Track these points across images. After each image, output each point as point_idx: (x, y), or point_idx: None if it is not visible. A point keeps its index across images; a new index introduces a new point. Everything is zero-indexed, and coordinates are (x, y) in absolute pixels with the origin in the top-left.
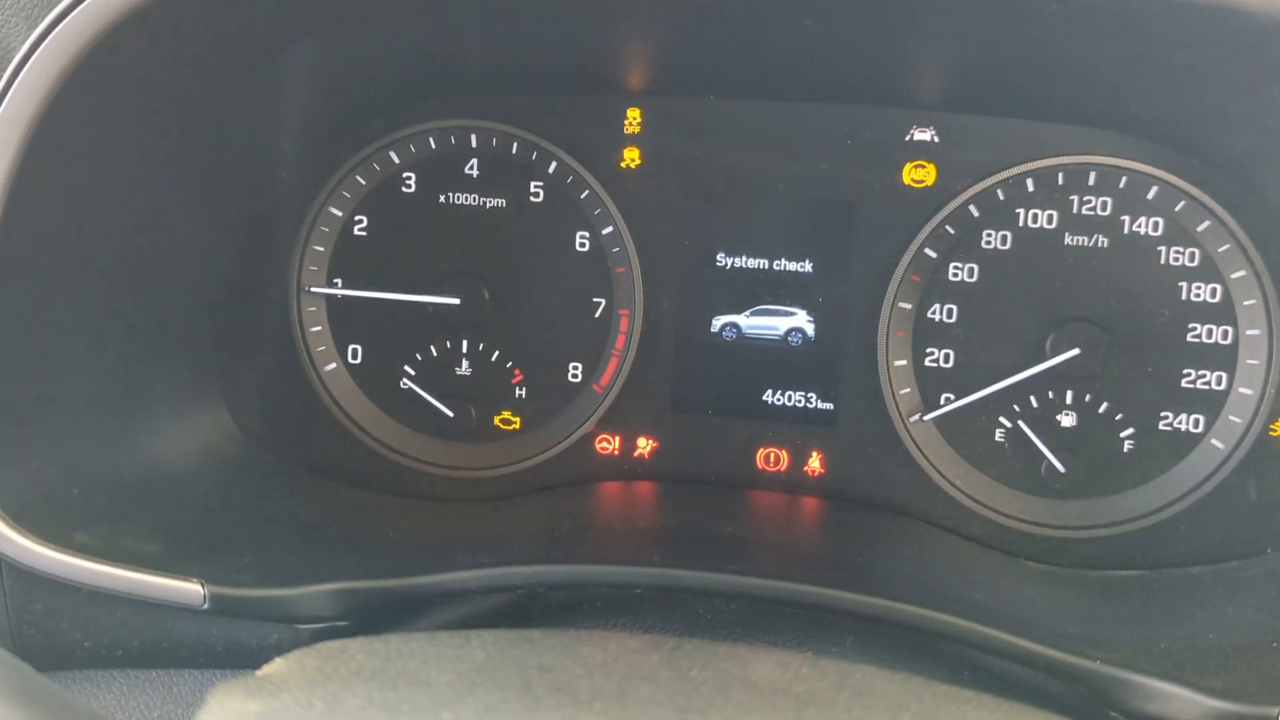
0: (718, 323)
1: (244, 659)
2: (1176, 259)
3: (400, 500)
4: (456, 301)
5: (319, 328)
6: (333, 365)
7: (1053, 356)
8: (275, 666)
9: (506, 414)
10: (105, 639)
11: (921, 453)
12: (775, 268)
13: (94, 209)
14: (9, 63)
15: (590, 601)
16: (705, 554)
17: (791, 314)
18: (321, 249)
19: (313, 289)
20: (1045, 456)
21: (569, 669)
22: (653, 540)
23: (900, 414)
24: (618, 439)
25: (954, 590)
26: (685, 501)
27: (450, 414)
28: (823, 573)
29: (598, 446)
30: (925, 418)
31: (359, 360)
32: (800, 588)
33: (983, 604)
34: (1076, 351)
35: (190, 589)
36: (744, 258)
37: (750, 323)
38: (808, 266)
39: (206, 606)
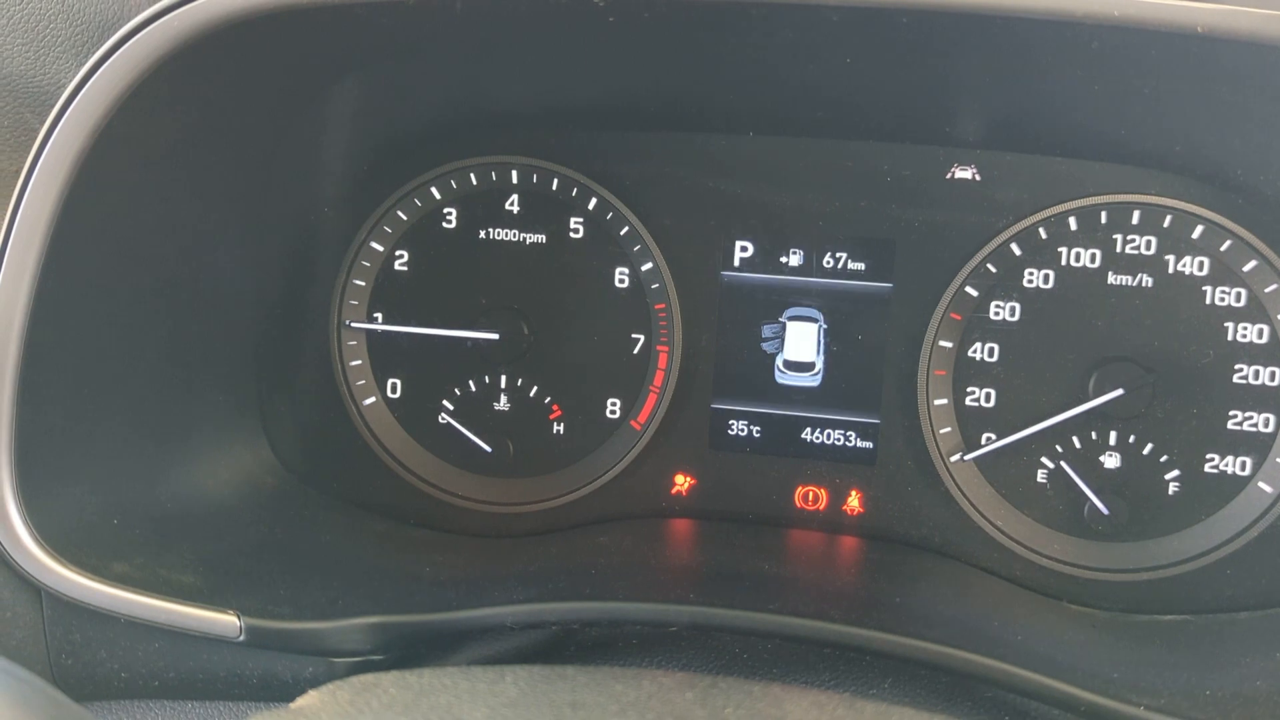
0: (757, 360)
1: (279, 692)
2: (1222, 299)
3: (437, 535)
4: (496, 336)
5: (359, 361)
6: (372, 399)
7: (1096, 397)
8: (309, 699)
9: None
10: (142, 669)
11: (962, 493)
12: (816, 306)
13: (137, 242)
14: (58, 98)
15: (626, 639)
16: (742, 593)
17: (832, 351)
18: (362, 283)
19: (353, 323)
20: (1088, 498)
21: (602, 706)
22: (689, 578)
23: (941, 453)
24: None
25: (994, 632)
26: (723, 539)
27: (488, 449)
28: (860, 613)
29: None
30: (966, 457)
31: (398, 394)
32: (837, 628)
33: (1023, 647)
34: (1120, 392)
35: (226, 621)
36: (784, 295)
37: (790, 358)
38: (849, 304)
39: (242, 638)
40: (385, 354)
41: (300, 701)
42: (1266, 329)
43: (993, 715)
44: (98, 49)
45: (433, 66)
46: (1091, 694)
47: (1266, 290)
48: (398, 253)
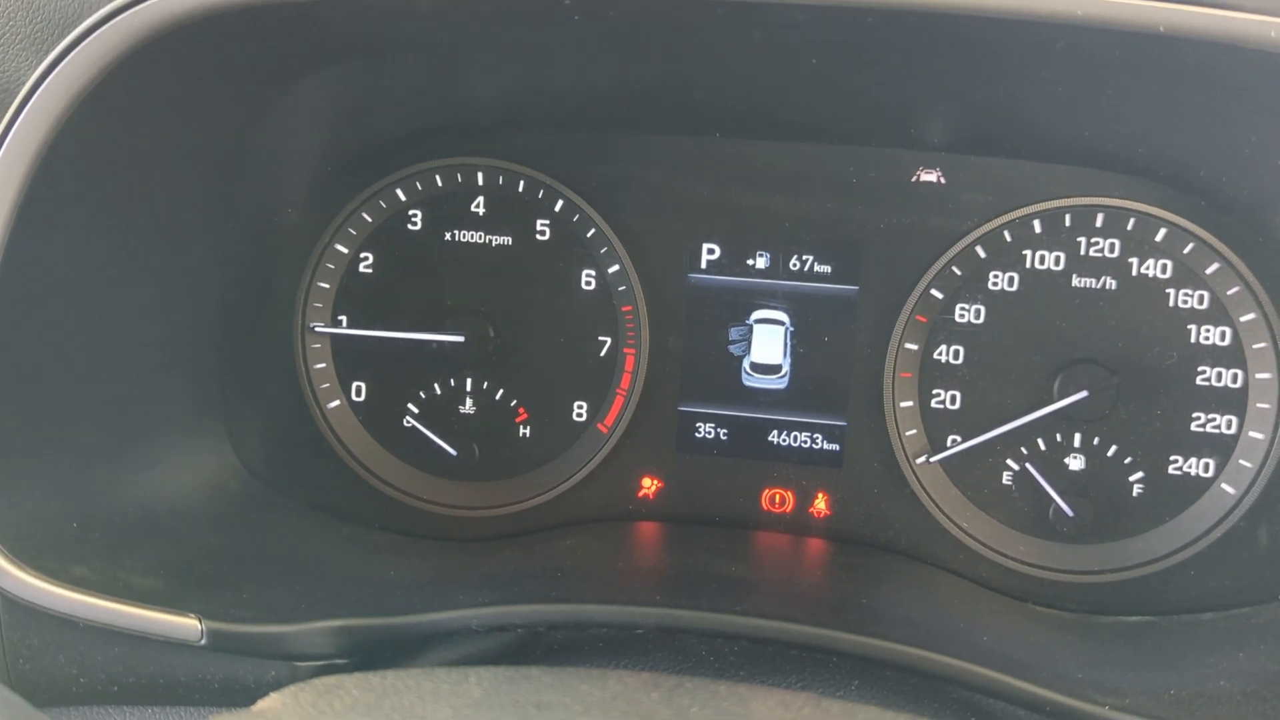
0: (724, 362)
1: (241, 697)
2: (1185, 301)
3: (402, 538)
4: (461, 339)
5: (323, 365)
6: (336, 402)
7: (1060, 399)
8: (270, 701)
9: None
10: (101, 674)
11: (928, 495)
12: (783, 308)
13: (97, 241)
14: (16, 95)
15: (592, 642)
16: (708, 594)
17: (799, 353)
18: (327, 286)
19: (317, 326)
20: (1053, 500)
21: (567, 706)
22: (656, 580)
23: (907, 455)
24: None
25: (960, 633)
26: (689, 542)
27: (454, 452)
28: (826, 614)
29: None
30: (932, 459)
31: (363, 398)
32: (803, 629)
33: (989, 647)
34: (1084, 394)
35: (187, 624)
36: (751, 298)
37: (757, 361)
38: (815, 307)
39: (204, 642)
40: (350, 357)
41: (262, 704)
42: (1229, 331)
43: (959, 716)
44: (57, 44)
45: (399, 66)
46: (1057, 694)
47: (1229, 293)
48: (362, 255)
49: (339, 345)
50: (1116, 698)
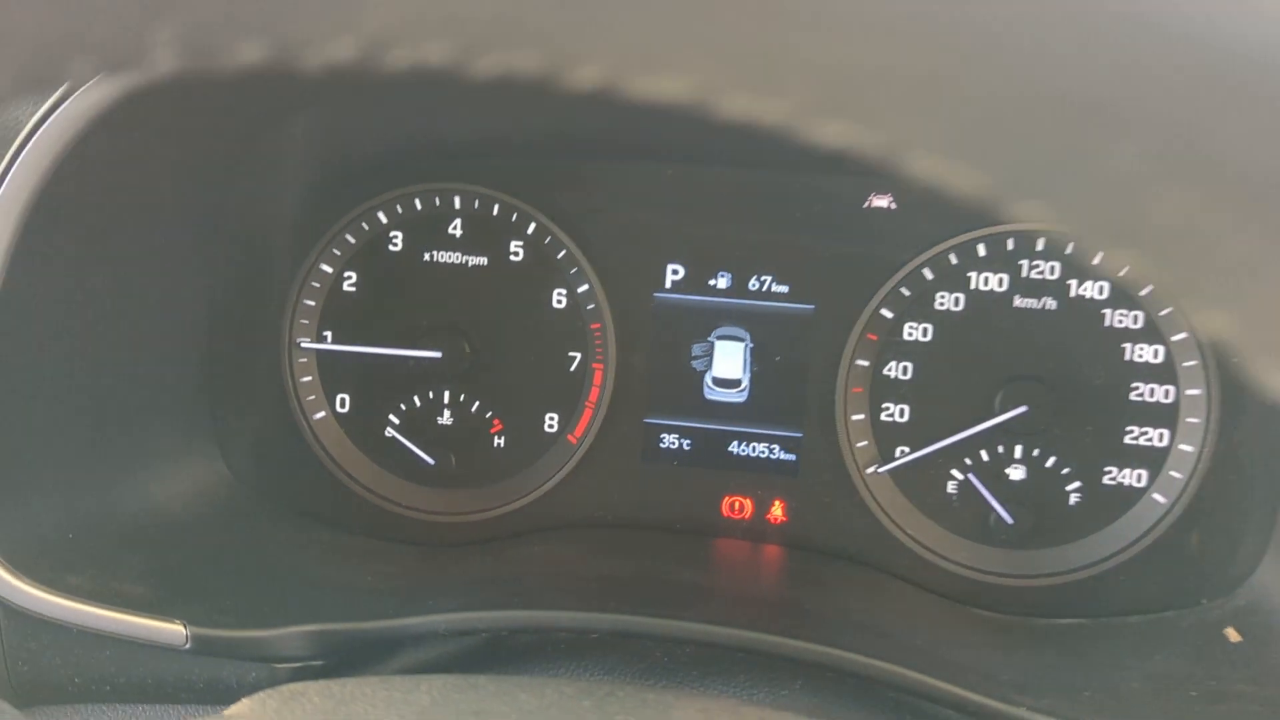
0: (687, 377)
1: (224, 695)
2: (1120, 321)
3: (379, 544)
4: (438, 355)
5: (309, 378)
6: (322, 414)
7: (1002, 413)
8: (240, 707)
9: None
10: (94, 675)
11: (877, 502)
12: (743, 326)
13: (93, 272)
14: (14, 139)
15: (554, 644)
16: (662, 600)
17: (757, 369)
18: (312, 304)
19: (303, 343)
20: (994, 508)
21: (503, 714)
22: (615, 586)
23: (858, 465)
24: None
25: (896, 635)
26: (653, 548)
27: (431, 461)
28: (773, 619)
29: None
30: (881, 469)
31: (347, 409)
32: (742, 633)
33: (921, 649)
34: (1024, 409)
35: (173, 630)
36: (713, 316)
37: (718, 375)
38: (773, 325)
39: (188, 647)
40: (334, 371)
41: (232, 709)
42: (1161, 349)
43: (888, 715)
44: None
45: (381, 103)
46: (976, 694)
47: (1161, 313)
48: (346, 274)
49: (324, 360)
50: (1035, 698)
